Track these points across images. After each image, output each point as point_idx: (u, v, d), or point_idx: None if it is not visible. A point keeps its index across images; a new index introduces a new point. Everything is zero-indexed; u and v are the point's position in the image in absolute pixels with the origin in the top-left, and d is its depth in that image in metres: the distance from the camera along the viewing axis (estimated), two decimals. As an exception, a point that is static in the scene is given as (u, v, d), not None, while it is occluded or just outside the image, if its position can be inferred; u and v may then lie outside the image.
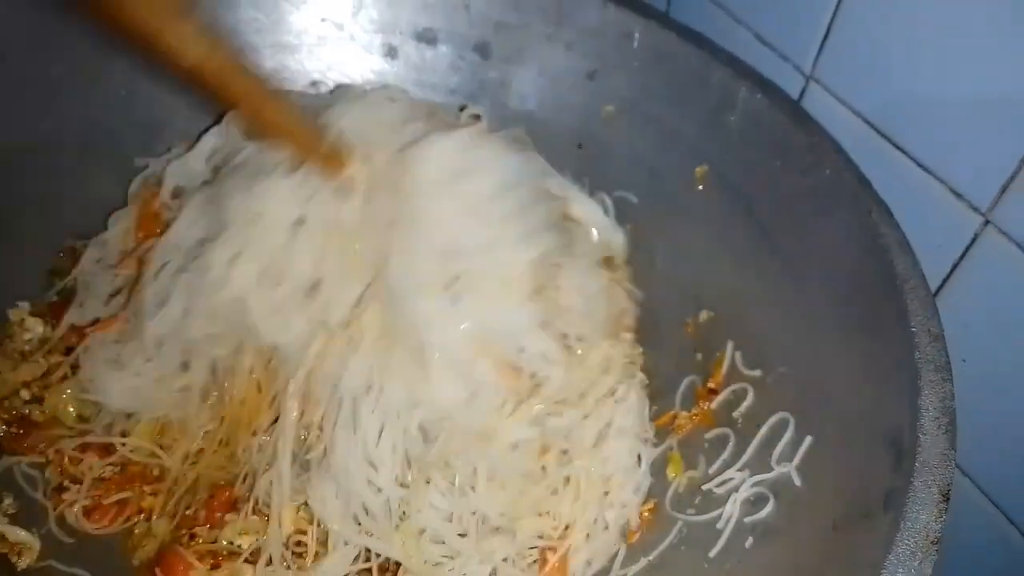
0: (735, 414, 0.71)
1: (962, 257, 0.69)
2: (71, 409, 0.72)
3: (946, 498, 0.51)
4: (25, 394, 0.71)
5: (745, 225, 0.76)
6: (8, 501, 0.66)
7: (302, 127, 0.64)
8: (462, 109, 0.88)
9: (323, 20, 0.88)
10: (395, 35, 0.89)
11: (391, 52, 0.90)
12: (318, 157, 0.64)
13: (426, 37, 0.89)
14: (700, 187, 0.80)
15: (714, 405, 0.72)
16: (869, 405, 0.59)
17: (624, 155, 0.85)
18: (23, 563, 0.62)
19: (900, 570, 0.47)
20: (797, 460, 0.62)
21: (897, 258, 0.63)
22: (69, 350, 0.73)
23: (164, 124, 0.85)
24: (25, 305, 0.75)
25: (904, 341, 0.59)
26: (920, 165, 0.69)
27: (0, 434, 0.69)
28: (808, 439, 0.63)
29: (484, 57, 0.89)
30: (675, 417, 0.75)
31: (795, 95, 0.77)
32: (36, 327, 0.73)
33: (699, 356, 0.76)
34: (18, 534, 0.62)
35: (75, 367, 0.72)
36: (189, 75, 0.56)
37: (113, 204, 0.82)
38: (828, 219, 0.69)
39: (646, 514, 0.70)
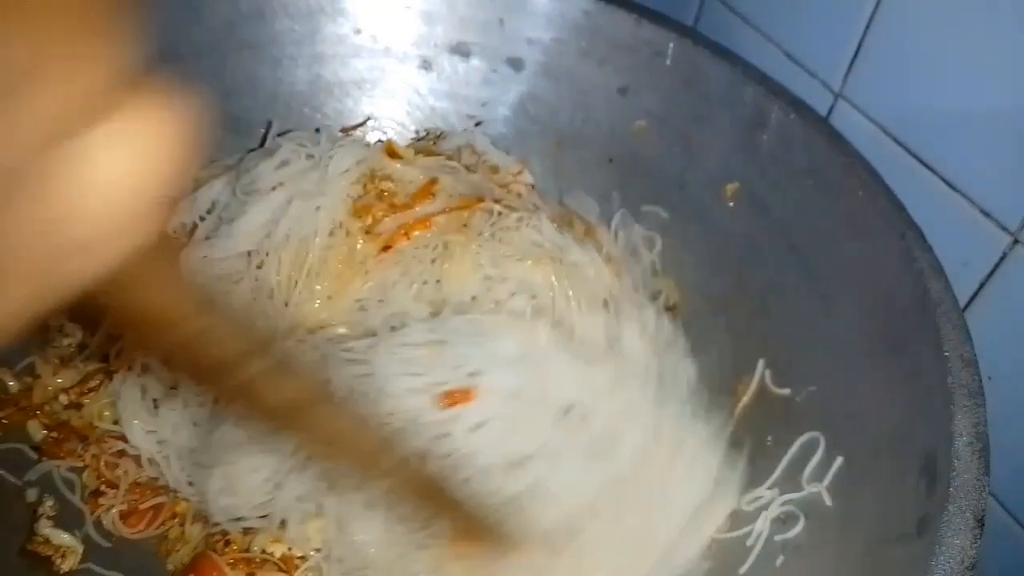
0: (764, 432, 0.71)
1: (990, 276, 0.69)
2: (107, 414, 0.73)
3: (981, 524, 0.51)
4: (64, 399, 0.72)
5: (776, 243, 0.76)
6: (49, 503, 0.67)
7: None
8: (478, 125, 0.89)
9: (358, 32, 0.89)
10: (430, 48, 0.90)
11: (425, 64, 0.91)
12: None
13: (460, 50, 0.90)
14: (731, 204, 0.80)
15: (743, 423, 0.73)
16: (901, 428, 0.60)
17: (655, 170, 0.86)
18: (66, 566, 0.63)
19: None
20: (828, 480, 0.63)
21: (930, 282, 0.63)
22: (106, 357, 0.74)
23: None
24: (64, 310, 0.76)
25: (937, 365, 0.59)
26: (948, 183, 0.69)
27: (39, 438, 0.70)
28: (839, 459, 0.63)
29: (517, 71, 0.89)
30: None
31: (824, 112, 0.78)
32: (75, 332, 0.74)
33: (729, 373, 0.77)
34: (62, 537, 0.63)
35: (111, 373, 0.73)
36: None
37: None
38: (860, 241, 0.70)
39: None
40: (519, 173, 0.85)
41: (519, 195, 0.83)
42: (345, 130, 0.90)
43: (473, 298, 0.68)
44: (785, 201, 0.76)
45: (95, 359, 0.74)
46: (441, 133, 0.91)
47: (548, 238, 0.74)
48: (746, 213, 0.79)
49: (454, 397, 0.62)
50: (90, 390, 0.72)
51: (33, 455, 0.70)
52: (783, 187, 0.76)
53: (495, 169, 0.86)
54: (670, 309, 0.82)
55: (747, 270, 0.78)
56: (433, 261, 0.69)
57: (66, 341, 0.74)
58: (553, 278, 0.71)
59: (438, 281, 0.68)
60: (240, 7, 0.84)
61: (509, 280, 0.69)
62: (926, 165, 0.71)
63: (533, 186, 0.86)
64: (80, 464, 0.70)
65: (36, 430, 0.71)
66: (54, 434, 0.70)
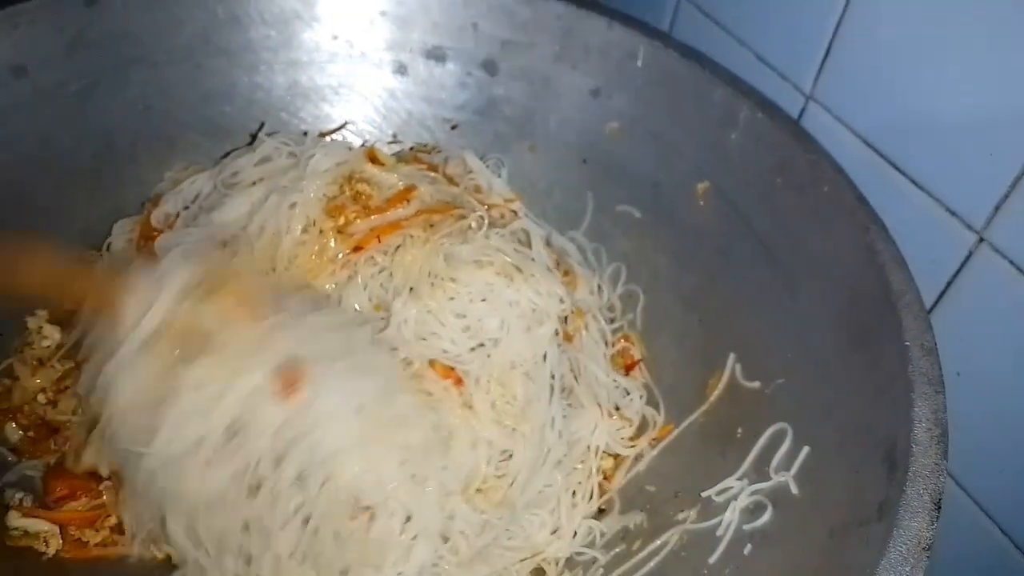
0: (734, 424, 0.72)
1: (957, 274, 0.70)
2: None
3: (937, 506, 0.52)
4: (42, 398, 0.73)
5: (745, 240, 0.78)
6: (19, 496, 0.67)
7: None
8: (453, 128, 0.90)
9: (335, 38, 0.91)
10: (405, 52, 0.91)
11: (401, 69, 0.92)
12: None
13: (435, 55, 0.91)
14: (701, 203, 0.82)
15: (716, 414, 0.74)
16: (865, 416, 0.61)
17: (628, 170, 0.87)
18: (52, 549, 0.64)
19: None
20: (795, 469, 0.64)
21: (892, 274, 0.65)
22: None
23: (178, 139, 0.87)
24: (43, 313, 0.77)
25: (898, 354, 0.60)
26: (916, 183, 0.71)
27: (17, 439, 0.71)
28: (805, 449, 0.65)
29: (491, 74, 0.91)
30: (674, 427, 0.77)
31: (795, 114, 0.79)
32: (54, 334, 0.75)
33: (700, 367, 0.78)
34: (40, 525, 0.64)
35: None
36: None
37: (126, 217, 0.84)
38: (826, 235, 0.71)
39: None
40: (511, 201, 0.86)
41: (501, 216, 0.83)
42: (323, 134, 0.91)
43: (411, 289, 0.69)
44: (753, 197, 0.78)
45: (71, 358, 0.74)
46: (435, 146, 0.92)
47: (512, 252, 0.74)
48: (717, 211, 0.80)
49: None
50: (66, 388, 0.72)
51: (12, 458, 0.71)
52: (752, 184, 0.78)
53: (479, 189, 0.86)
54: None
55: (718, 267, 0.80)
56: (390, 252, 0.69)
57: (44, 343, 0.75)
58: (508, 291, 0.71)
59: (391, 274, 0.69)
60: (216, 14, 0.86)
61: (457, 282, 0.70)
62: (894, 165, 0.72)
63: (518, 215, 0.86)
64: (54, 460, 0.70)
65: (12, 432, 0.71)
66: (30, 433, 0.71)
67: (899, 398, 0.58)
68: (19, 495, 0.68)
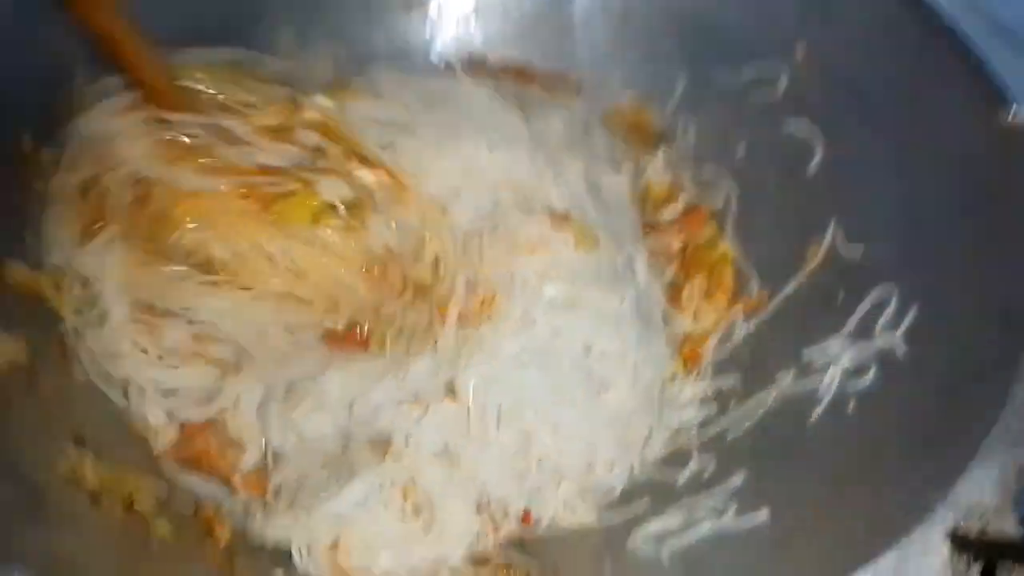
0: (835, 289, 0.72)
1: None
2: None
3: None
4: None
5: (848, 104, 0.76)
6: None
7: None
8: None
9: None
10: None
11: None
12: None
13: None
14: (802, 67, 0.79)
15: (815, 279, 0.74)
16: (979, 274, 0.60)
17: (725, 35, 0.84)
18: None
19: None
20: (902, 329, 0.64)
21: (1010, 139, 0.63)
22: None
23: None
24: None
25: (1014, 214, 0.60)
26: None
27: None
28: (914, 309, 0.64)
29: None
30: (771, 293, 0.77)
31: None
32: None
33: (798, 236, 0.77)
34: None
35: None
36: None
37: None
38: (938, 98, 0.69)
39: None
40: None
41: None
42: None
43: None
44: (858, 60, 0.75)
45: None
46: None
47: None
48: (818, 74, 0.78)
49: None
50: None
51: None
52: (856, 46, 0.75)
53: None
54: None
55: (819, 133, 0.78)
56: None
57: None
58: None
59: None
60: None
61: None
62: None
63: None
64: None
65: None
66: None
67: (1016, 256, 0.58)
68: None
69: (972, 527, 0.45)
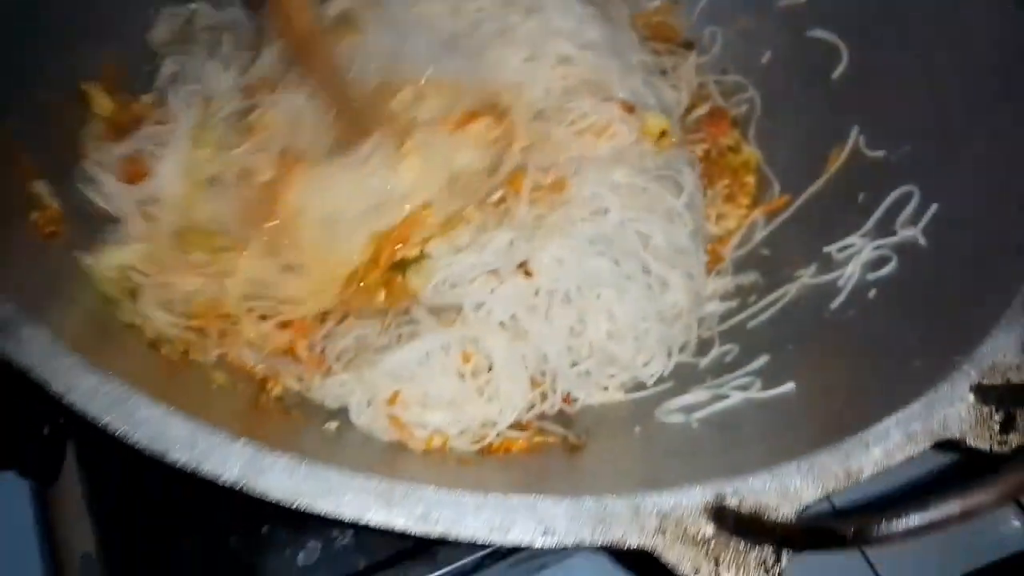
0: (856, 191, 0.74)
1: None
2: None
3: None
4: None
5: (874, 13, 0.77)
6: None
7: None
8: None
9: None
10: None
11: None
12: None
13: None
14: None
15: (836, 182, 0.76)
16: (1000, 171, 0.63)
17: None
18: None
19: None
20: (923, 223, 0.66)
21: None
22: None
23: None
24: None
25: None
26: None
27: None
28: (934, 206, 0.67)
29: None
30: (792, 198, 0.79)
31: None
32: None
33: (821, 140, 0.80)
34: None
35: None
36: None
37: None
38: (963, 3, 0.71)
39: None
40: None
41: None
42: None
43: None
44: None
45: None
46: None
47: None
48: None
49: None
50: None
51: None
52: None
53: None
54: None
55: (842, 41, 0.80)
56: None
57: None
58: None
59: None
60: None
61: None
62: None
63: None
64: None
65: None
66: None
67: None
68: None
69: (995, 382, 0.48)
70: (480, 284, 0.63)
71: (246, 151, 0.67)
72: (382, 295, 0.65)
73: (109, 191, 0.64)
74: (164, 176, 0.65)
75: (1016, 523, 0.85)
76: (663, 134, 0.73)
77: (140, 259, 0.61)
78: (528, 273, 0.64)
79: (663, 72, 0.84)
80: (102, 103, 0.69)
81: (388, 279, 0.65)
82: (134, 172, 0.65)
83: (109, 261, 0.61)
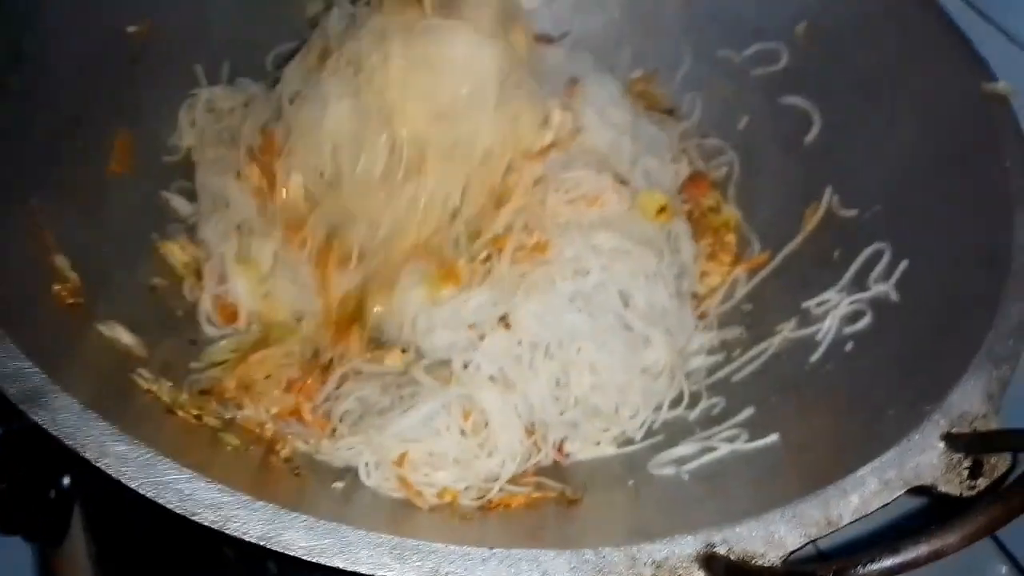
0: (831, 249, 0.79)
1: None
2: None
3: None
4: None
5: (845, 79, 0.83)
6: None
7: None
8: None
9: None
10: None
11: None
12: None
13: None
14: (802, 44, 0.86)
15: (812, 240, 0.81)
16: (965, 228, 0.67)
17: (729, 15, 0.91)
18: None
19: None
20: (894, 279, 0.70)
21: (993, 108, 0.70)
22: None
23: None
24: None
25: (1000, 174, 0.67)
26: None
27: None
28: (904, 263, 0.71)
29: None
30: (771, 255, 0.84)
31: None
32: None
33: (797, 201, 0.84)
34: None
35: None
36: None
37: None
38: (926, 71, 0.76)
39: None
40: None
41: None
42: None
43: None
44: (855, 37, 0.82)
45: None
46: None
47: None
48: (817, 52, 0.85)
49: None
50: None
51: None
52: (854, 24, 0.82)
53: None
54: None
55: (817, 107, 0.85)
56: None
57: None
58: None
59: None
60: None
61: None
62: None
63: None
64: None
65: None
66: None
67: (999, 210, 0.65)
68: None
69: (964, 430, 0.52)
70: (464, 339, 0.67)
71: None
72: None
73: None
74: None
75: (1003, 568, 0.88)
76: (662, 210, 0.78)
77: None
78: (508, 325, 0.68)
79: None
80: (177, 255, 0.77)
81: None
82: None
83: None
